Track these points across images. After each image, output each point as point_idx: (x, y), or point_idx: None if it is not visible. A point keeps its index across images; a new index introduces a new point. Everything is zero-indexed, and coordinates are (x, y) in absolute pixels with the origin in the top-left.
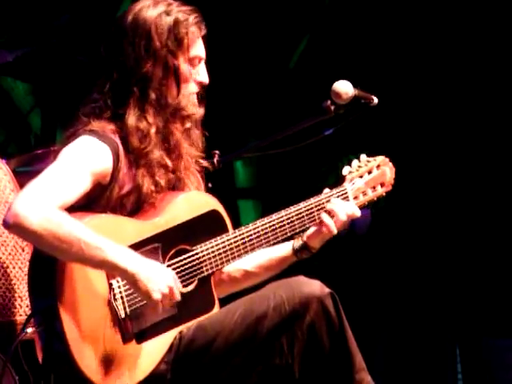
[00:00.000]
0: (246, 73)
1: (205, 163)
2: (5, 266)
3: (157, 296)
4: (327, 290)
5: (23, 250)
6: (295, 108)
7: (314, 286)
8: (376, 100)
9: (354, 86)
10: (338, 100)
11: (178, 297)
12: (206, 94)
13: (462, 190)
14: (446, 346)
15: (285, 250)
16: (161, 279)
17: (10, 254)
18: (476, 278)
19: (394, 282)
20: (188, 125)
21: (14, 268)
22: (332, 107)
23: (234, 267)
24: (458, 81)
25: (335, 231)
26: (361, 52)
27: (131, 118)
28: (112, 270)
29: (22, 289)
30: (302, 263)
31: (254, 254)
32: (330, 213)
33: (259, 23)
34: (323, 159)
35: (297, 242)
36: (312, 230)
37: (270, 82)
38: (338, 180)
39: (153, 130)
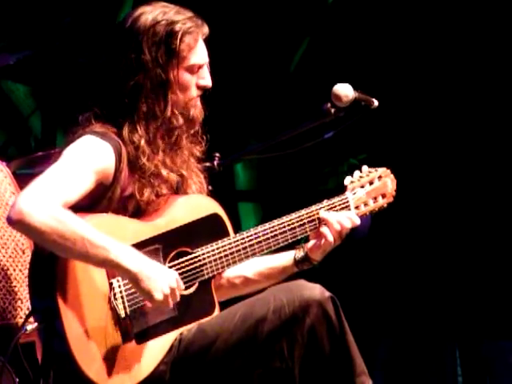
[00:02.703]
0: (247, 75)
1: (207, 164)
2: (5, 268)
3: (159, 296)
4: (328, 293)
5: (23, 253)
6: (296, 111)
7: (314, 290)
8: (376, 103)
9: (355, 88)
10: (338, 103)
11: (178, 297)
12: (206, 96)
13: (460, 192)
14: (446, 347)
15: (286, 259)
16: (163, 279)
17: (10, 256)
18: (476, 280)
19: (393, 285)
20: (174, 137)
21: (14, 270)
22: (332, 110)
23: (235, 273)
24: (459, 84)
25: (331, 239)
26: (361, 55)
27: (125, 129)
28: (114, 268)
29: (22, 291)
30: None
31: (254, 261)
32: (323, 221)
33: (260, 26)
34: (323, 162)
35: (298, 253)
36: (312, 241)
37: (270, 85)
38: (339, 183)
39: (142, 142)
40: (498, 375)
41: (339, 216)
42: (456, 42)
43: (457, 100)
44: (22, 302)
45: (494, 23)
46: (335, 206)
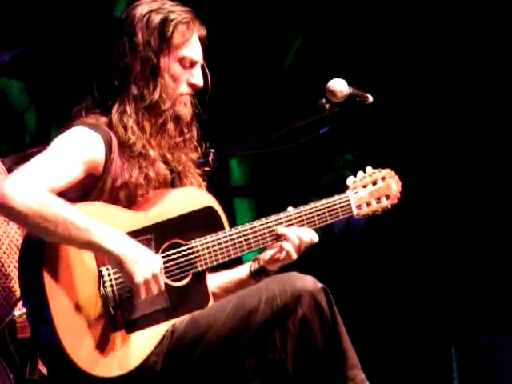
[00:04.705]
0: (242, 71)
1: (205, 168)
2: None
3: (139, 279)
4: (320, 285)
5: (18, 249)
6: (290, 106)
7: (306, 281)
8: (371, 98)
9: (349, 84)
10: (332, 98)
11: (162, 286)
12: (201, 93)
13: (454, 186)
14: (441, 344)
15: (242, 272)
16: (146, 264)
17: (4, 252)
18: (471, 276)
19: (389, 280)
20: (161, 120)
21: (8, 267)
22: (327, 105)
23: None
24: (453, 78)
25: (295, 256)
26: (356, 50)
27: (115, 111)
28: (98, 250)
29: (16, 288)
30: (298, 260)
31: (216, 275)
32: (281, 236)
33: (254, 22)
34: (318, 157)
35: (254, 265)
36: (270, 254)
37: (265, 81)
38: (334, 179)
39: (130, 123)
40: (492, 371)
41: (299, 231)
42: (450, 37)
43: (452, 96)
44: (16, 299)
45: (490, 19)
46: (335, 205)
